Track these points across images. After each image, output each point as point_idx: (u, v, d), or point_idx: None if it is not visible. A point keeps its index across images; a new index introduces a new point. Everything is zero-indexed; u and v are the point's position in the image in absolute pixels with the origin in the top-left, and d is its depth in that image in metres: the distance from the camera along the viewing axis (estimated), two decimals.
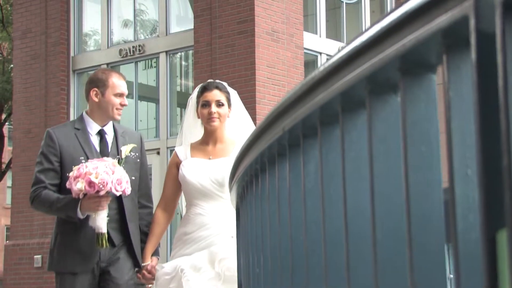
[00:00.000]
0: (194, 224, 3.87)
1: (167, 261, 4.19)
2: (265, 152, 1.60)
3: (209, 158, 3.99)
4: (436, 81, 0.96)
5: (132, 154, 3.94)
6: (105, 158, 3.76)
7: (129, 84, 11.97)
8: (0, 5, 18.40)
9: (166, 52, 11.39)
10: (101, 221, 3.68)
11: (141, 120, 12.19)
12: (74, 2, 12.21)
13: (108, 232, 3.76)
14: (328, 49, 11.51)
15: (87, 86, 4.06)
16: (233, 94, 4.28)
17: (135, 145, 3.99)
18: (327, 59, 1.11)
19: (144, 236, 4.07)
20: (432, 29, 0.84)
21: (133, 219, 3.98)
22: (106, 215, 3.72)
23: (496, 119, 0.72)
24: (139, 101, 12.18)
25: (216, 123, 3.98)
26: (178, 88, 12.33)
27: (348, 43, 1.03)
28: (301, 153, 1.29)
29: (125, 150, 3.90)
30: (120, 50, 11.81)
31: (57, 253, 3.90)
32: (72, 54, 12.11)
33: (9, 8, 18.39)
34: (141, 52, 11.62)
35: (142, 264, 4.00)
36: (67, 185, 3.64)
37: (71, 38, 12.16)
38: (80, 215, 3.71)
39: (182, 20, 11.87)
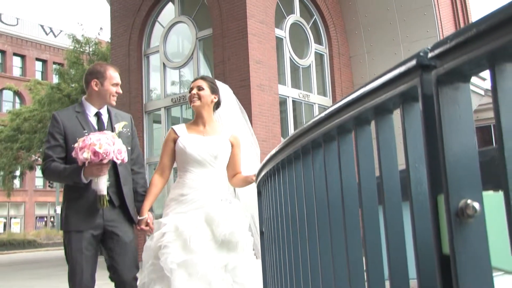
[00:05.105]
0: (190, 187, 3.03)
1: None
2: (291, 153, 1.56)
3: (204, 135, 3.15)
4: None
5: (124, 130, 3.10)
6: (105, 131, 2.92)
7: (177, 119, 12.08)
8: None
9: None
10: (103, 184, 2.88)
11: None
12: (144, 72, 12.22)
13: (109, 195, 2.98)
14: (292, 94, 11.59)
15: (87, 77, 3.09)
16: (226, 89, 3.37)
17: (126, 123, 3.14)
18: (342, 98, 1.15)
19: (140, 196, 3.18)
20: (396, 92, 0.89)
21: (127, 183, 3.10)
22: (107, 179, 2.92)
23: (434, 139, 0.79)
24: None
25: (196, 103, 3.15)
26: None
27: (351, 93, 1.09)
28: (323, 153, 1.26)
29: (118, 126, 3.04)
30: (172, 99, 11.84)
31: (65, 216, 3.01)
32: (144, 102, 12.09)
33: None
34: (185, 100, 11.62)
35: (140, 218, 3.10)
36: (73, 154, 2.82)
37: (144, 92, 12.14)
38: (84, 180, 2.87)
39: None
